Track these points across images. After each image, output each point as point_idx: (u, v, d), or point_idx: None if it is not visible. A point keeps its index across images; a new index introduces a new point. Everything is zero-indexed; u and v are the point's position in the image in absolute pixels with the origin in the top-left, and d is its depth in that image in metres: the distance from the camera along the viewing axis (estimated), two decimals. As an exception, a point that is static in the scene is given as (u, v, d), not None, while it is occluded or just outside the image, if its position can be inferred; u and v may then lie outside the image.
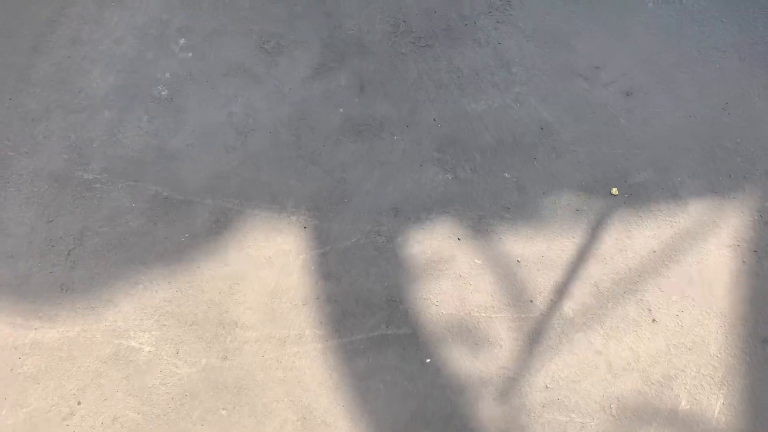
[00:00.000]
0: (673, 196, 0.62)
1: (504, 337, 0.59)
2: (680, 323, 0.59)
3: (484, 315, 0.61)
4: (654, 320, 0.58)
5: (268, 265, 0.61)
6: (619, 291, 0.60)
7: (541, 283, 0.60)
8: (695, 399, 0.56)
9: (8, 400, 0.56)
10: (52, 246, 0.59)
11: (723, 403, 0.55)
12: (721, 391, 0.55)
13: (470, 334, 0.60)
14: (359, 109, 0.66)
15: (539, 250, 0.60)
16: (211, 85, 0.65)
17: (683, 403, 0.56)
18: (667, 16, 0.67)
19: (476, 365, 0.58)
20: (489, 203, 0.64)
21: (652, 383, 0.57)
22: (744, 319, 0.57)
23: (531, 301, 0.59)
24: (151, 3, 0.67)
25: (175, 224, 0.61)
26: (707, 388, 0.56)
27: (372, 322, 0.60)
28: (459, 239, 0.62)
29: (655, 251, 0.60)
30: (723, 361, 0.57)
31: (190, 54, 0.65)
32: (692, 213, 0.61)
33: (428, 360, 0.59)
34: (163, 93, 0.63)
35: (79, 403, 0.56)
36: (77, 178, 0.59)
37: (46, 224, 0.59)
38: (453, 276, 0.60)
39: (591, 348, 0.58)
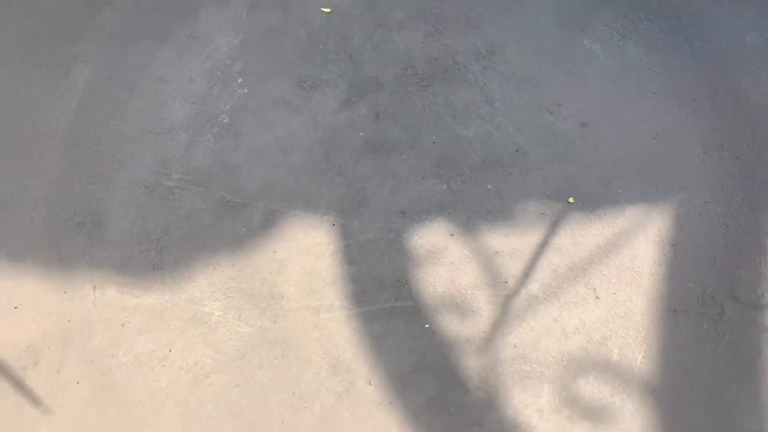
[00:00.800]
0: (614, 203, 0.78)
1: (484, 309, 0.74)
2: (616, 299, 0.74)
3: (469, 292, 0.76)
4: (597, 297, 0.74)
5: (306, 253, 0.77)
6: (572, 275, 0.75)
7: (514, 269, 0.75)
8: (623, 353, 0.72)
9: (121, 347, 0.71)
10: (146, 236, 0.75)
11: (643, 356, 0.70)
12: (642, 347, 0.70)
13: (458, 306, 0.75)
14: (376, 134, 0.82)
15: (512, 244, 0.76)
16: (262, 114, 0.81)
17: (615, 356, 0.71)
18: (614, 65, 0.82)
19: (462, 329, 0.73)
20: (475, 207, 0.79)
21: (594, 342, 0.72)
22: (661, 295, 0.73)
23: (505, 282, 0.75)
24: (217, 51, 0.83)
25: (236, 221, 0.76)
26: (633, 344, 0.72)
27: (384, 296, 0.76)
28: (451, 235, 0.78)
29: (599, 245, 0.75)
30: (645, 325, 0.72)
31: (246, 90, 0.81)
32: (628, 217, 0.76)
33: (427, 325, 0.75)
34: (225, 120, 0.79)
35: (170, 350, 0.72)
36: (162, 185, 0.75)
37: (141, 220, 0.75)
38: (446, 263, 0.76)
39: (549, 317, 0.74)
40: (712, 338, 0.69)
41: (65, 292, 0.71)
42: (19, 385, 0.68)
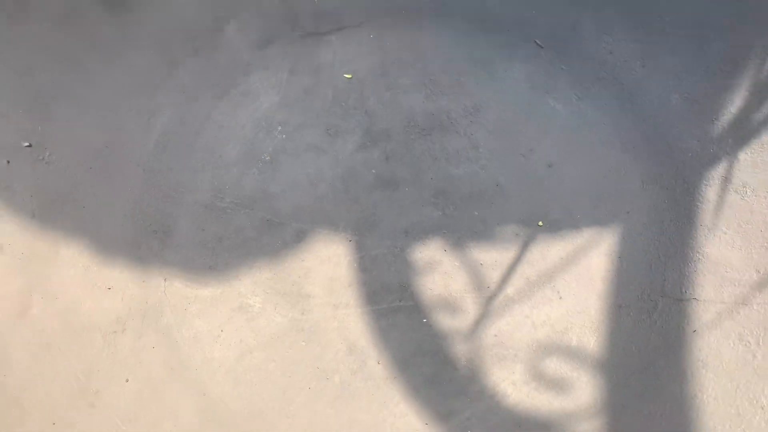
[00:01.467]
0: (574, 226, 0.95)
1: (470, 308, 0.90)
2: (575, 299, 0.90)
3: (459, 295, 0.92)
4: (560, 297, 0.89)
5: (328, 262, 0.94)
6: (541, 281, 0.91)
7: (494, 276, 0.92)
8: (580, 340, 0.86)
9: (184, 325, 0.87)
10: (204, 245, 0.92)
11: (595, 341, 0.85)
12: (595, 334, 0.85)
13: (450, 306, 0.91)
14: (385, 172, 1.00)
15: (493, 257, 0.92)
16: (296, 155, 1.00)
17: (573, 342, 0.86)
18: (573, 120, 1.02)
19: (453, 323, 0.89)
20: (464, 229, 0.97)
21: (557, 332, 0.87)
22: (610, 295, 0.88)
23: (488, 287, 0.91)
24: (263, 106, 1.03)
25: (273, 236, 0.94)
26: (587, 333, 0.87)
27: (390, 297, 0.92)
28: (445, 250, 0.94)
29: (562, 258, 0.92)
30: (597, 318, 0.87)
31: (284, 136, 1.00)
32: (584, 236, 0.93)
33: (424, 320, 0.90)
34: (267, 159, 0.98)
35: (221, 331, 0.87)
36: (218, 206, 0.92)
37: (201, 231, 0.92)
38: (441, 272, 0.92)
39: (522, 314, 0.89)
40: (648, 325, 0.84)
41: (143, 281, 0.87)
42: (110, 344, 0.83)
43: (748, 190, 0.79)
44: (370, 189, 0.91)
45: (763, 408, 0.79)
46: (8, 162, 0.66)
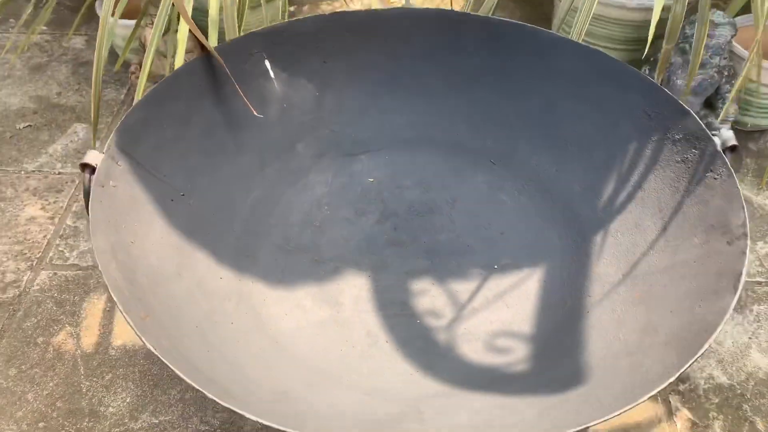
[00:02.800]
0: (517, 267, 1.34)
1: (448, 315, 1.17)
2: (518, 308, 1.21)
3: (440, 308, 1.22)
4: (507, 307, 1.24)
5: (354, 287, 1.26)
6: (495, 299, 1.25)
7: (465, 298, 1.30)
8: (520, 328, 1.18)
9: (263, 307, 1.24)
10: (276, 267, 1.20)
11: (529, 328, 1.21)
12: (529, 325, 1.22)
13: (435, 314, 1.14)
14: (393, 237, 1.42)
15: (465, 287, 1.27)
16: (336, 223, 1.42)
17: (515, 329, 1.20)
18: (517, 205, 1.48)
19: (437, 323, 1.23)
20: (445, 273, 1.37)
21: (505, 325, 1.15)
22: (539, 303, 1.23)
23: (461, 303, 1.27)
24: (316, 193, 1.48)
25: (319, 269, 1.29)
26: (525, 325, 1.24)
27: (395, 309, 1.19)
28: (432, 283, 1.30)
29: (509, 285, 1.29)
30: (531, 316, 1.23)
31: (329, 212, 1.44)
32: (524, 272, 1.30)
33: (418, 321, 1.26)
34: (317, 224, 1.42)
35: (286, 314, 1.19)
36: (285, 248, 1.30)
37: (274, 260, 1.31)
38: (429, 295, 1.27)
39: (483, 317, 1.17)
40: (561, 314, 1.20)
41: (240, 280, 1.25)
42: (221, 309, 1.14)
43: (619, 234, 1.22)
44: (383, 246, 1.35)
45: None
46: (172, 200, 1.11)
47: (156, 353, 0.71)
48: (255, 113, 1.17)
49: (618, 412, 0.71)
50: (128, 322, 0.80)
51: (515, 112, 1.16)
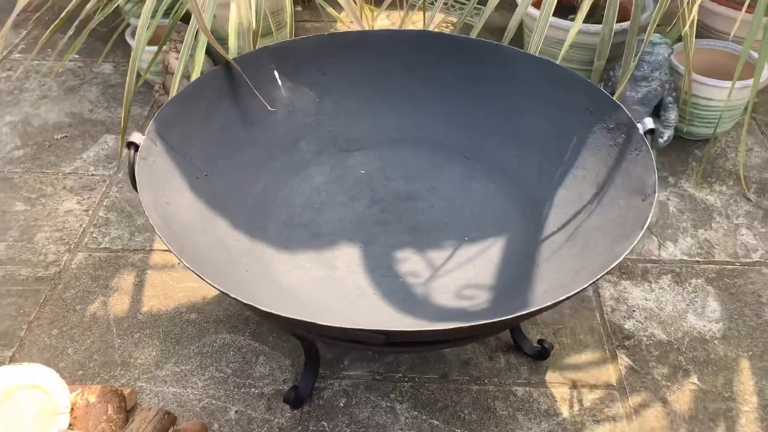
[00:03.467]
0: (484, 238, 1.59)
1: (426, 275, 1.31)
2: (482, 268, 1.46)
3: (420, 270, 1.42)
4: (474, 268, 1.46)
5: (347, 255, 1.53)
6: (465, 263, 1.41)
7: (440, 263, 1.52)
8: (483, 282, 1.44)
9: (271, 264, 1.49)
10: (281, 238, 1.50)
11: (491, 281, 1.43)
12: (492, 279, 1.45)
13: (414, 274, 1.36)
14: (381, 218, 1.66)
15: (441, 255, 1.50)
16: (333, 207, 1.65)
17: (479, 282, 1.44)
18: (485, 190, 1.73)
19: (416, 281, 1.40)
20: (425, 245, 1.58)
21: (471, 280, 1.40)
22: (500, 263, 1.47)
23: (436, 266, 1.48)
24: (316, 182, 1.76)
25: (318, 241, 1.53)
26: (488, 278, 1.47)
27: (381, 270, 1.34)
28: (413, 253, 1.52)
29: (476, 252, 1.49)
30: (492, 274, 1.47)
31: (326, 197, 1.72)
32: (489, 241, 1.51)
33: (400, 280, 1.48)
34: (317, 206, 1.68)
35: (290, 271, 1.47)
36: (289, 224, 1.56)
37: (280, 232, 1.58)
38: (410, 261, 1.48)
39: (454, 276, 1.35)
40: (516, 271, 1.44)
41: (253, 243, 1.48)
42: (241, 261, 1.39)
43: (566, 206, 1.45)
44: (372, 225, 1.57)
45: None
46: (197, 178, 1.35)
47: (189, 266, 0.95)
48: (269, 108, 1.44)
49: (543, 306, 0.95)
50: (169, 247, 1.04)
51: (484, 114, 1.40)
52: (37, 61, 2.20)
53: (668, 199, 1.62)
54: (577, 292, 0.92)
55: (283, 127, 1.31)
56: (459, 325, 0.82)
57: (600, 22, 1.48)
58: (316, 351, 1.24)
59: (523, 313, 0.77)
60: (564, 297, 0.88)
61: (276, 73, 1.37)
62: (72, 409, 1.02)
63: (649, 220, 1.03)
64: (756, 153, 1.72)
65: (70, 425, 1.00)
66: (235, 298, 0.79)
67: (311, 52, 1.28)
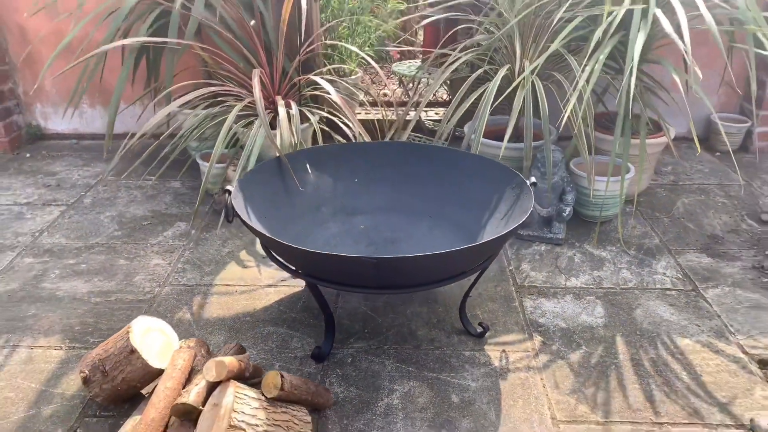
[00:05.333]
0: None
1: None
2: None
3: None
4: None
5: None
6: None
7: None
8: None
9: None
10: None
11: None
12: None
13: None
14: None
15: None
16: (348, 235, 2.52)
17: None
18: (443, 231, 2.56)
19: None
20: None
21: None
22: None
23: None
24: (331, 230, 2.61)
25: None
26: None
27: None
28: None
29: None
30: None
31: (339, 241, 2.56)
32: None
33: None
34: (332, 245, 2.51)
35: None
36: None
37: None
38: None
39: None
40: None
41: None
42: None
43: (490, 231, 2.28)
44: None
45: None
46: (265, 217, 2.18)
47: (249, 223, 1.80)
48: (300, 188, 2.36)
49: (494, 237, 1.78)
50: (245, 221, 1.89)
51: (442, 190, 2.40)
52: (124, 181, 3.14)
53: (575, 255, 2.49)
54: (507, 232, 1.75)
55: (311, 197, 2.24)
56: (436, 252, 1.64)
57: (519, 141, 2.48)
58: (333, 322, 2.01)
59: (482, 242, 1.59)
60: (503, 233, 1.72)
61: (308, 165, 2.32)
62: (180, 348, 1.79)
63: (529, 215, 1.90)
64: (637, 229, 2.64)
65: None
66: (261, 233, 1.64)
67: (330, 154, 2.26)
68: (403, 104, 3.27)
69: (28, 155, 3.28)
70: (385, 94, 4.04)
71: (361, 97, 3.22)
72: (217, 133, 2.27)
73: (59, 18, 2.97)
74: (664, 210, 2.69)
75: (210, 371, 1.61)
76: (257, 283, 2.19)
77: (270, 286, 2.18)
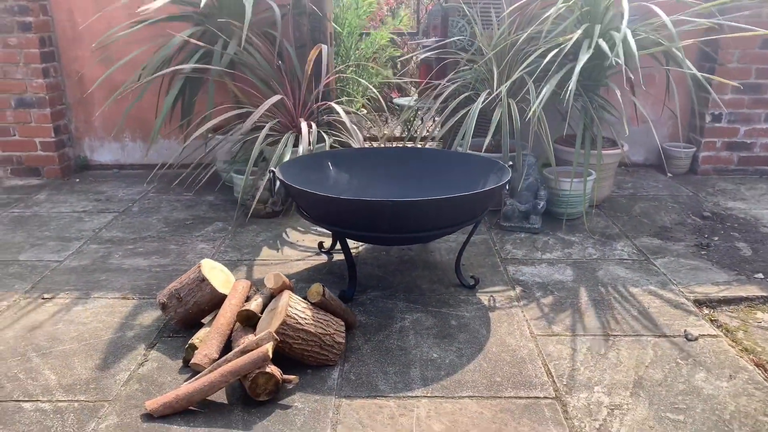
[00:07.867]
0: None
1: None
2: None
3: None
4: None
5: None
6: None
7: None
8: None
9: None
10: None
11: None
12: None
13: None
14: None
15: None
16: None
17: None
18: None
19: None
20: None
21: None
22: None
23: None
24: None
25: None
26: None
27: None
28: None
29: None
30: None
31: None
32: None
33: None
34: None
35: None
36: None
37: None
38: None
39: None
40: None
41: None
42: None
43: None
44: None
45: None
46: (298, 188, 2.72)
47: (286, 180, 2.41)
48: (330, 167, 2.98)
49: (491, 187, 2.37)
50: (281, 177, 2.48)
51: (435, 179, 3.03)
52: (165, 196, 3.76)
53: (549, 239, 3.10)
54: (499, 185, 2.36)
55: (331, 189, 2.93)
56: (442, 196, 2.22)
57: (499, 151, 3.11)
58: (355, 267, 2.58)
59: (480, 190, 2.19)
60: (495, 185, 2.31)
61: (329, 162, 2.94)
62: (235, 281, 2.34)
63: (509, 177, 2.51)
64: (600, 223, 3.32)
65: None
66: (282, 180, 2.25)
67: (348, 156, 2.92)
68: (401, 140, 4.00)
69: (77, 180, 3.91)
70: (385, 133, 4.82)
71: (366, 132, 3.93)
72: (247, 156, 2.94)
73: (113, 68, 3.62)
74: (623, 211, 3.33)
75: (270, 280, 2.15)
76: (289, 258, 2.75)
77: (299, 260, 2.73)
